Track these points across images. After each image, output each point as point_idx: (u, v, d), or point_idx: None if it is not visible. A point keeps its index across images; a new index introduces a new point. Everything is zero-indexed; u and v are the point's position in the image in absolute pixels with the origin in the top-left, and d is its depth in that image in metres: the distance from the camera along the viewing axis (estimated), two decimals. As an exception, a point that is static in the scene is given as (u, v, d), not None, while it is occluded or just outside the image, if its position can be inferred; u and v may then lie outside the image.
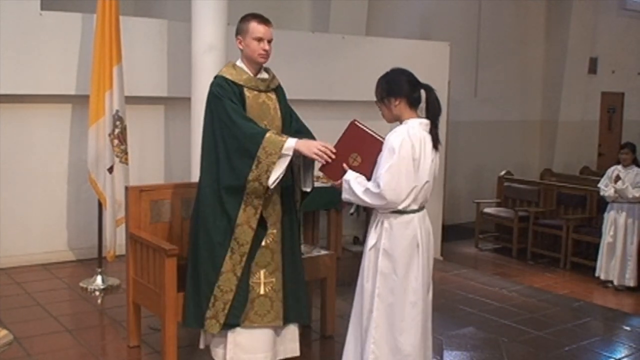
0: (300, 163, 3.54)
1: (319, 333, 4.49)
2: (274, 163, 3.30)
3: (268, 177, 3.32)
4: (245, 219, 3.42)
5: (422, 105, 3.19)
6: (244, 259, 3.44)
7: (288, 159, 3.34)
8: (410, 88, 3.13)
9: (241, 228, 3.42)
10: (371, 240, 3.15)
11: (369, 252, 3.15)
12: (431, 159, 3.09)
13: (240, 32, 3.52)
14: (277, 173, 3.33)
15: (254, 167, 3.31)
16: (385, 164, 2.98)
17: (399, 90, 3.12)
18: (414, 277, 3.08)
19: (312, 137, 3.60)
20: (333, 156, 3.23)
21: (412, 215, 3.08)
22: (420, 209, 3.13)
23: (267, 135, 3.33)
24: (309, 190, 3.59)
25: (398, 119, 3.15)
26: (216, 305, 3.44)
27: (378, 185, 2.98)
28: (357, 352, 3.22)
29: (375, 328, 3.09)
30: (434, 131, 3.13)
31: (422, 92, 3.17)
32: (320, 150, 3.26)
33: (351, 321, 3.28)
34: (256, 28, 3.47)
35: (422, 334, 3.14)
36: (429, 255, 3.19)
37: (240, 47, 3.53)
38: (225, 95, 3.42)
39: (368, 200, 3.03)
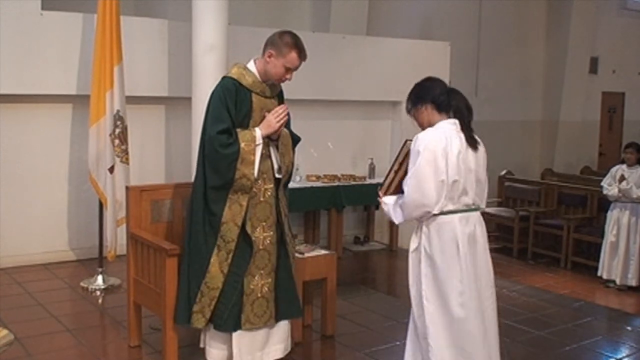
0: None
1: (319, 333, 4.49)
2: (254, 154, 3.44)
3: (254, 170, 3.44)
4: (231, 216, 3.47)
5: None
6: (230, 256, 3.48)
7: (261, 147, 3.47)
8: (435, 92, 3.12)
9: (226, 225, 3.47)
10: (413, 244, 3.14)
11: (411, 256, 3.14)
12: (457, 156, 3.00)
13: (276, 48, 3.47)
14: (257, 163, 3.46)
15: (239, 165, 3.40)
16: (410, 169, 3.00)
17: (423, 96, 3.14)
18: (457, 280, 3.02)
19: (295, 141, 3.72)
20: (286, 113, 3.48)
21: (450, 216, 3.03)
22: (461, 210, 3.05)
23: (239, 133, 3.43)
24: (279, 176, 3.60)
25: (430, 125, 3.11)
26: (202, 301, 3.51)
27: (404, 191, 3.00)
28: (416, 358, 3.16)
29: (432, 331, 3.04)
30: (465, 131, 3.09)
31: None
32: (279, 117, 3.46)
33: (408, 331, 3.24)
34: (294, 60, 3.49)
35: (482, 338, 3.07)
36: (476, 258, 3.10)
37: (267, 60, 3.50)
38: (223, 103, 3.44)
39: (403, 215, 3.06)
